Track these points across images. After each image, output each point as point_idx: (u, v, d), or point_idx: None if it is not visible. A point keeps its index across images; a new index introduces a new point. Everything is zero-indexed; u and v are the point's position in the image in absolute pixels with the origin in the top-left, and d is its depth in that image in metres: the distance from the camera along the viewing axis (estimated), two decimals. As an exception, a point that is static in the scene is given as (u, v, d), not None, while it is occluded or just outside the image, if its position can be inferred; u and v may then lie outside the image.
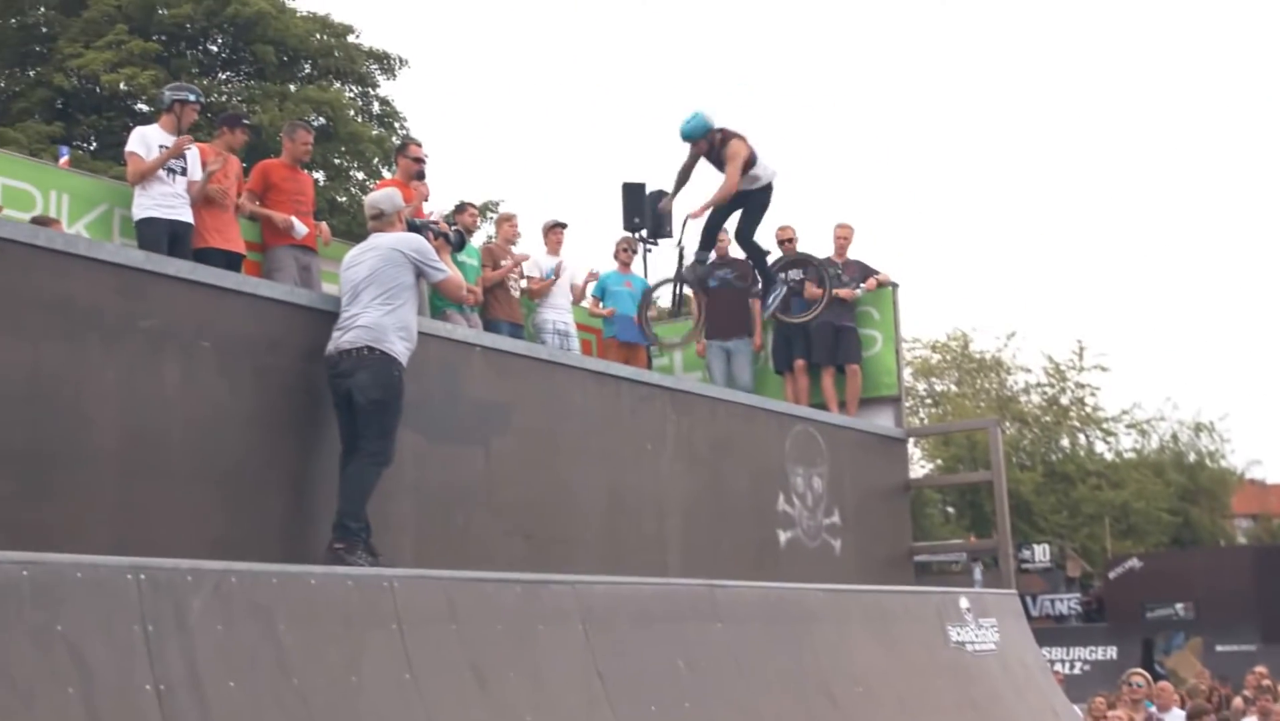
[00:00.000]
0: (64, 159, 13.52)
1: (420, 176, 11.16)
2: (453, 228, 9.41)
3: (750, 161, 11.36)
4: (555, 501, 9.15)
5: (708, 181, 11.61)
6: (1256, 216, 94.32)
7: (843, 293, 13.38)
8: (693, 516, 10.31)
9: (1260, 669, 17.38)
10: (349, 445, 7.31)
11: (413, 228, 8.32)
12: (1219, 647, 27.87)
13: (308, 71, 30.78)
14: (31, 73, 28.93)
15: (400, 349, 7.42)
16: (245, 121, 10.59)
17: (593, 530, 9.42)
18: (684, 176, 11.81)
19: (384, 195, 8.12)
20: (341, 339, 7.34)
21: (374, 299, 7.42)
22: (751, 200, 11.59)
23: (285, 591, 6.07)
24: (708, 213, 11.58)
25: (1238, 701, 15.90)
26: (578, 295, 13.25)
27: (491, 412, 8.76)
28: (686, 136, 11.39)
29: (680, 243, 12.05)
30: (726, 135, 11.33)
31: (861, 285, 13.54)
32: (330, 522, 7.16)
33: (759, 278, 12.37)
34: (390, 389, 7.32)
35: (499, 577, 7.37)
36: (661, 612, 8.17)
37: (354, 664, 6.18)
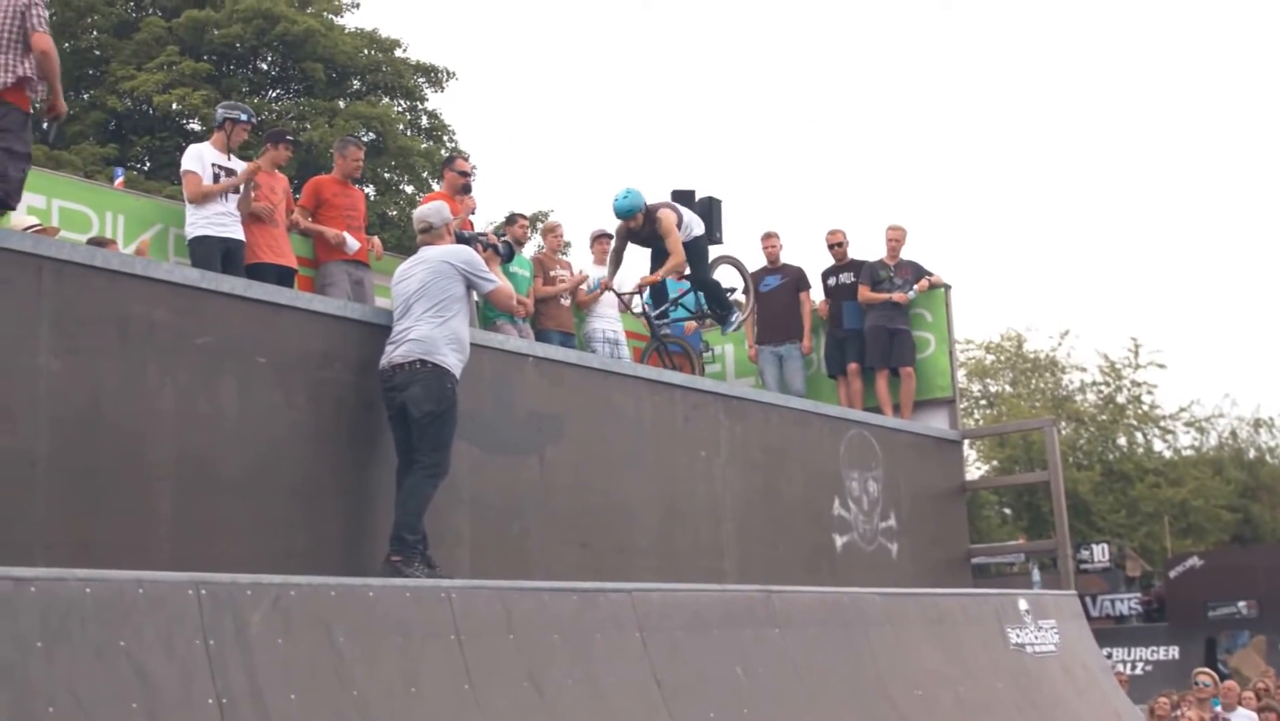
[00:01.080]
0: (119, 180, 13.68)
1: (467, 190, 11.23)
2: (501, 239, 9.43)
3: (678, 224, 11.81)
4: (610, 509, 9.18)
5: (635, 252, 12.20)
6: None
7: (896, 295, 13.36)
8: (748, 522, 10.31)
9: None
10: (405, 458, 7.37)
11: (461, 240, 8.37)
12: (1283, 645, 27.54)
13: (356, 87, 31.00)
14: (85, 96, 29.28)
15: (453, 361, 7.46)
16: (289, 138, 10.66)
17: (648, 537, 9.43)
18: (618, 259, 12.13)
19: (432, 209, 8.17)
20: (394, 353, 7.40)
21: (425, 312, 7.48)
22: (689, 251, 11.89)
23: (344, 604, 6.12)
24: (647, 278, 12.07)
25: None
26: (625, 303, 13.27)
27: (545, 422, 8.80)
28: (624, 213, 11.63)
29: (643, 313, 12.38)
30: (653, 210, 11.70)
31: (914, 287, 13.50)
32: (388, 535, 7.21)
33: (718, 307, 12.53)
34: (444, 401, 7.36)
35: (555, 587, 7.40)
36: (718, 619, 8.18)
37: (413, 675, 6.23)
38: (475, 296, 8.52)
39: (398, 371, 7.36)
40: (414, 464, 7.32)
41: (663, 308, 12.42)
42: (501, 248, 9.21)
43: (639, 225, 11.71)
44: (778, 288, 13.73)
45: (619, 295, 12.25)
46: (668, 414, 9.87)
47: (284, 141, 10.47)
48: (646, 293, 12.32)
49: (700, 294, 12.45)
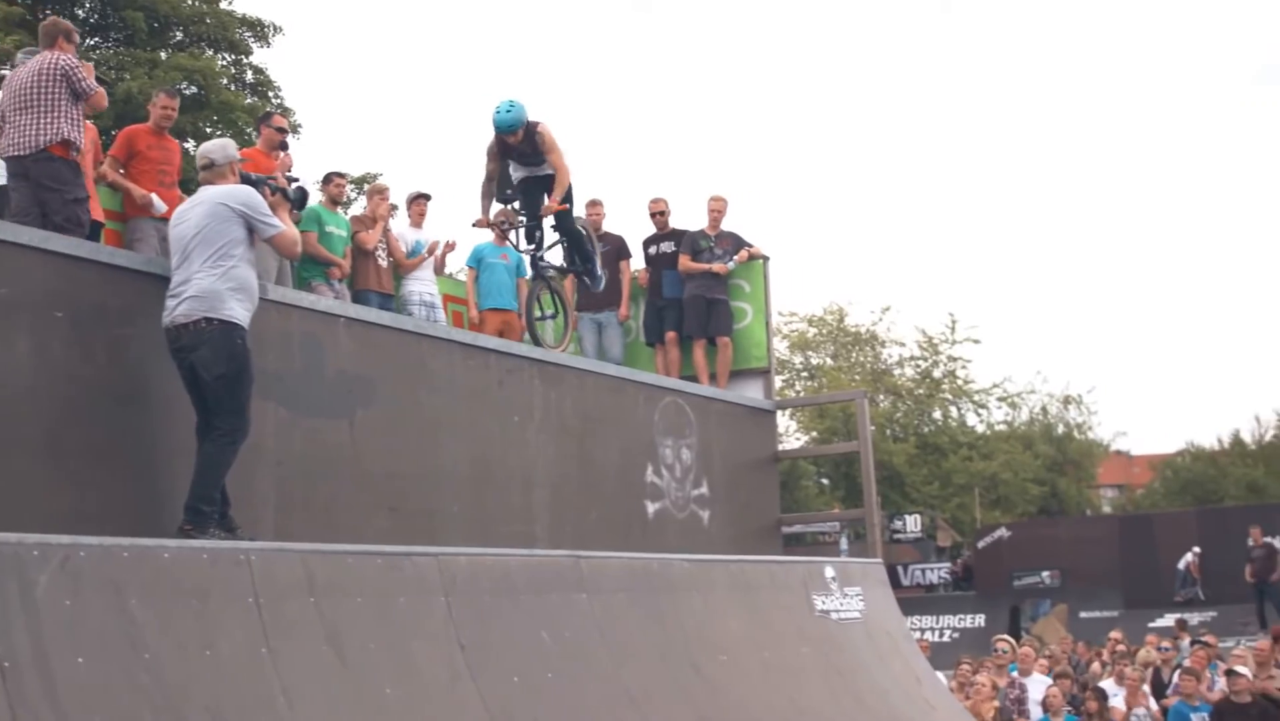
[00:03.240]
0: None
1: (284, 147, 11.00)
2: (294, 185, 8.87)
3: None
4: (421, 473, 9.12)
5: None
6: (1124, 193, 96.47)
7: (716, 266, 13.48)
8: (560, 488, 10.33)
9: (1115, 634, 17.91)
10: (204, 417, 7.14)
11: (247, 181, 7.89)
12: (1083, 614, 28.58)
13: (179, 38, 30.08)
14: (-111, 41, 27.97)
15: (240, 313, 7.11)
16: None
17: (459, 502, 9.40)
18: (491, 187, 11.37)
19: (216, 145, 7.73)
20: (176, 310, 7.04)
21: (204, 261, 7.09)
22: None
23: (137, 565, 5.97)
24: (517, 215, 11.43)
25: (1095, 666, 16.33)
26: (439, 266, 13.16)
27: (356, 384, 8.69)
28: (507, 127, 10.98)
29: (531, 248, 11.64)
30: (534, 124, 11.09)
31: (734, 258, 13.63)
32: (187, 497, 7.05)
33: (583, 258, 12.14)
34: (235, 360, 7.04)
35: (359, 550, 7.32)
36: (526, 584, 8.17)
37: (209, 638, 6.10)
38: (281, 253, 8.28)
39: (183, 332, 7.01)
40: (211, 428, 7.06)
41: (547, 246, 11.68)
42: (292, 193, 8.57)
43: (518, 141, 11.06)
44: (601, 255, 13.76)
45: (497, 224, 11.50)
46: (482, 378, 9.83)
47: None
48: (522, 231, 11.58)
49: (566, 245, 11.97)
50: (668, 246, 13.88)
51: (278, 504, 7.96)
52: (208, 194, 7.41)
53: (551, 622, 8.13)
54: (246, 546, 6.67)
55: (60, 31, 9.13)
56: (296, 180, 8.77)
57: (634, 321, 14.08)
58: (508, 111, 10.91)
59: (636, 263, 14.09)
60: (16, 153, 8.72)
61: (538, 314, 11.62)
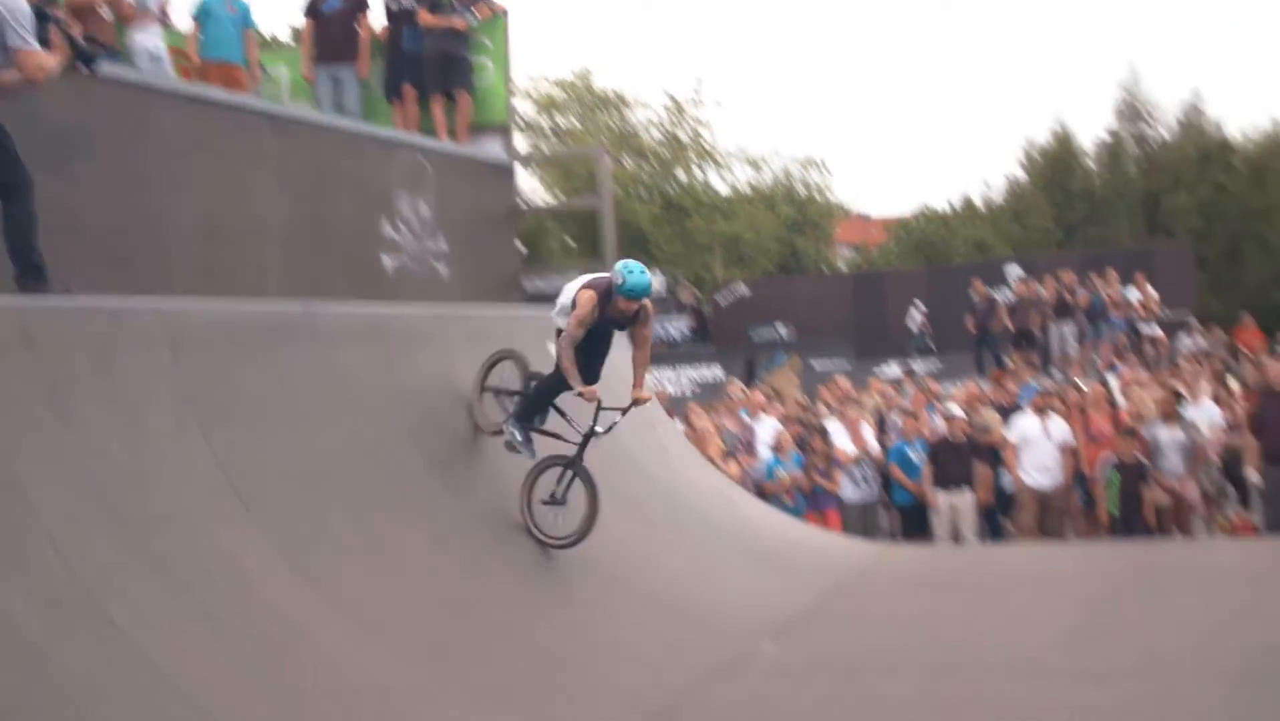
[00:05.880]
0: None
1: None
2: (98, 50, 7.96)
3: None
4: (146, 228, 8.94)
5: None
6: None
7: (455, 20, 13.24)
8: (293, 243, 10.23)
9: (841, 380, 18.77)
10: None
11: (41, 15, 7.41)
12: (816, 365, 29.60)
13: None
14: None
15: None
16: None
17: (187, 256, 9.24)
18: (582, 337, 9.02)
19: None
20: None
21: None
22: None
23: None
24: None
25: (821, 408, 17.06)
26: (165, 19, 12.58)
27: (74, 137, 8.38)
28: (643, 293, 8.89)
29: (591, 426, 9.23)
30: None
31: (473, 12, 13.41)
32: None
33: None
34: None
35: (79, 305, 7.14)
36: (256, 337, 8.09)
37: (-82, 397, 5.93)
38: None
39: None
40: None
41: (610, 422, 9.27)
42: (84, 46, 7.71)
43: (633, 308, 8.96)
44: (339, 10, 13.40)
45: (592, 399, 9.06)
46: (209, 131, 9.58)
47: None
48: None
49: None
50: (408, 1, 13.54)
51: (-11, 260, 7.69)
52: None
53: (282, 374, 8.10)
54: (-43, 302, 6.46)
55: None
56: (100, 46, 8.15)
57: (373, 79, 13.76)
58: (642, 273, 8.88)
59: (378, 19, 13.73)
60: None
61: (545, 498, 9.35)
